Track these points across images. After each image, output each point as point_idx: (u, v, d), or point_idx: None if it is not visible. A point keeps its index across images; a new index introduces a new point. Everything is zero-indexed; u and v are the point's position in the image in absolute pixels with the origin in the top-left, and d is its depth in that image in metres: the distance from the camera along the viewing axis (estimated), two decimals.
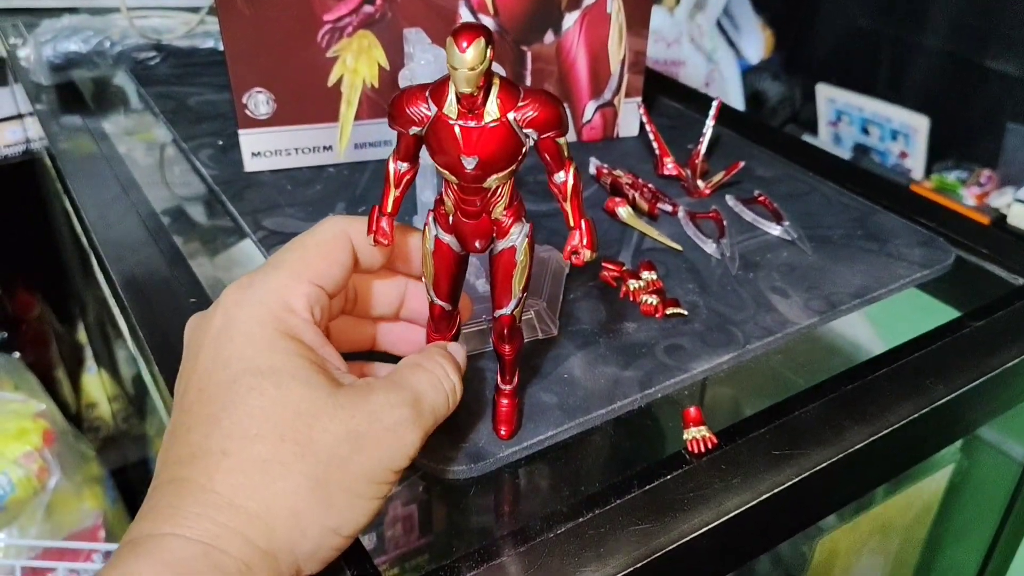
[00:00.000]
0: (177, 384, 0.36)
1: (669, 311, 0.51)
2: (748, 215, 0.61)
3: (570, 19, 0.66)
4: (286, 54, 0.62)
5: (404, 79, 0.49)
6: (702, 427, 0.44)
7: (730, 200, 0.63)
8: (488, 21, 0.64)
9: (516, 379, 0.42)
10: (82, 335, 1.50)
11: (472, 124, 0.34)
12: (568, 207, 0.37)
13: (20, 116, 1.20)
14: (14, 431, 1.15)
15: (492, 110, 0.34)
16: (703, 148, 0.65)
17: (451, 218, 0.38)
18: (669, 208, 0.62)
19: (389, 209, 0.38)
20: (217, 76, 0.82)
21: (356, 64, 0.63)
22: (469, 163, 0.35)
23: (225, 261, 0.61)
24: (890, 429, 0.45)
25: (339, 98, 0.64)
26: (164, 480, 0.33)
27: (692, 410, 0.44)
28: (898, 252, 0.58)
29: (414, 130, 0.35)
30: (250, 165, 0.66)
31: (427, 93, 0.35)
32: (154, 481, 0.34)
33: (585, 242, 0.37)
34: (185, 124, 0.75)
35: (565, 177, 0.36)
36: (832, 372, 0.49)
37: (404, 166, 0.37)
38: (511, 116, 0.34)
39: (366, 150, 0.67)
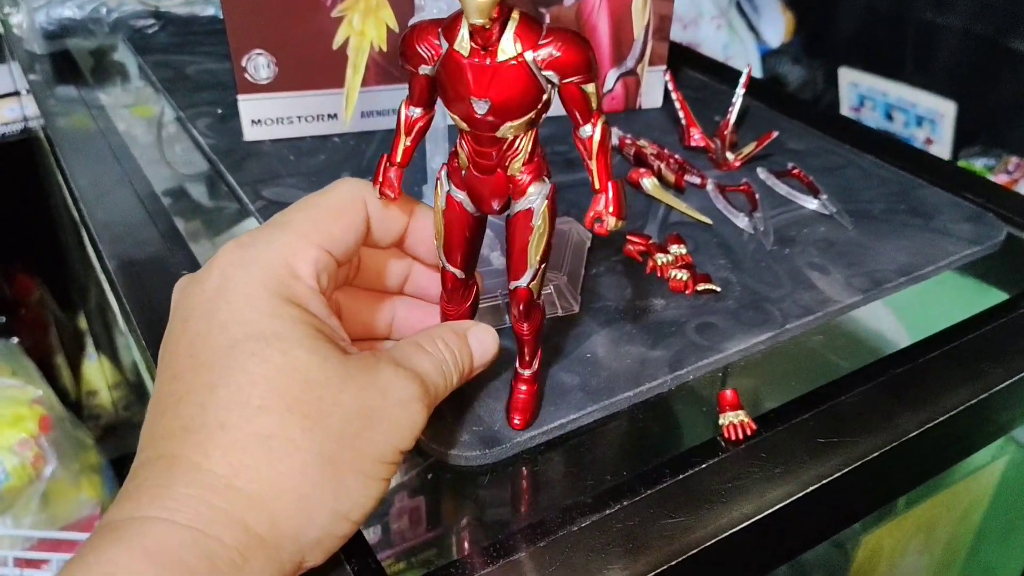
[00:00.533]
0: (163, 350, 0.32)
1: (700, 287, 0.47)
2: (781, 188, 0.57)
3: None
4: (288, 13, 0.58)
5: None
6: (739, 411, 0.40)
7: (762, 173, 0.59)
8: None
9: (537, 364, 0.38)
10: (83, 321, 1.46)
11: (485, 62, 0.30)
12: (593, 165, 0.32)
13: (17, 93, 1.16)
14: (9, 417, 1.12)
15: (508, 47, 0.30)
16: (732, 118, 0.61)
17: (464, 173, 0.34)
18: (697, 180, 0.57)
19: (399, 159, 0.34)
20: (217, 45, 0.79)
21: (363, 25, 0.59)
22: (480, 107, 0.31)
23: (225, 240, 0.57)
24: (944, 416, 0.41)
25: (344, 62, 0.60)
26: (150, 456, 0.29)
27: (728, 393, 0.40)
28: (944, 228, 0.54)
29: (424, 69, 0.31)
30: (250, 134, 0.62)
31: (440, 28, 0.31)
32: (137, 457, 0.30)
33: (611, 208, 0.33)
34: (183, 93, 0.71)
35: (591, 131, 0.32)
36: (875, 355, 0.45)
37: (417, 111, 0.34)
38: (529, 55, 0.30)
39: (373, 119, 0.63)
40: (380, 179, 0.35)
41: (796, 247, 0.52)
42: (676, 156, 0.59)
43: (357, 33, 0.59)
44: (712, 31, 1.52)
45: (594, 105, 0.31)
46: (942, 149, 1.41)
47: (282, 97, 0.61)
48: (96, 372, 1.47)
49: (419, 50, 0.31)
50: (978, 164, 1.34)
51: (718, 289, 0.47)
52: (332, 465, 0.29)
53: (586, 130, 0.32)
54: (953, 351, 0.45)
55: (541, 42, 0.30)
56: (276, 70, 0.60)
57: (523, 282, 0.35)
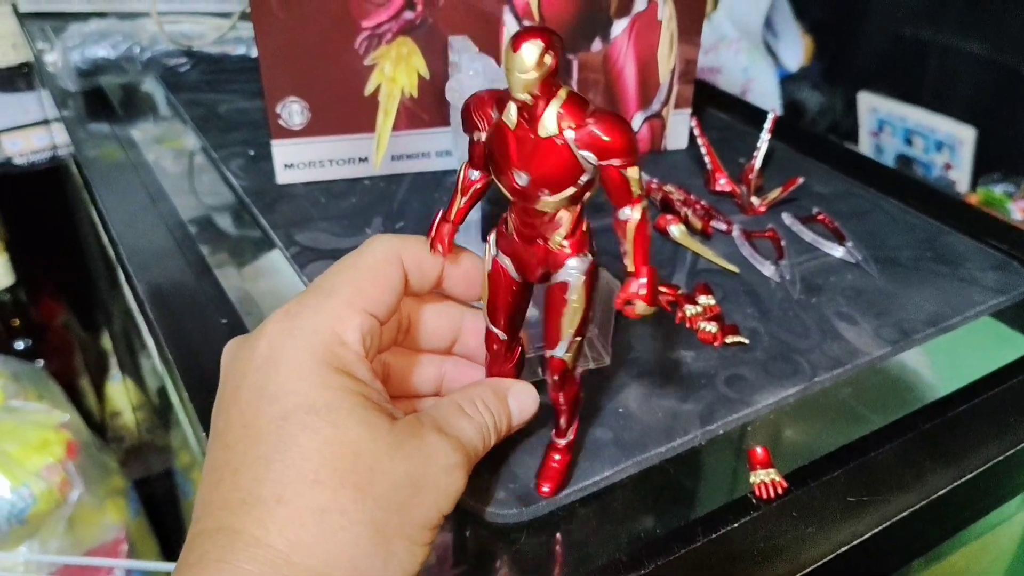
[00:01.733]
0: (214, 417, 0.33)
1: (729, 339, 0.48)
2: (807, 235, 0.58)
3: (619, 26, 0.63)
4: (322, 61, 0.59)
5: (451, 91, 0.46)
6: (770, 469, 0.40)
7: (787, 218, 0.60)
8: None
9: (572, 434, 0.39)
10: (107, 342, 1.48)
11: (528, 136, 0.31)
12: (629, 248, 0.32)
13: (47, 122, 1.18)
14: (36, 442, 1.13)
15: (549, 124, 0.30)
16: (757, 163, 0.62)
17: (510, 239, 0.34)
18: (723, 226, 0.58)
19: (452, 216, 0.36)
20: (248, 83, 0.80)
21: (394, 73, 0.60)
22: (521, 178, 0.32)
23: (253, 274, 0.58)
24: (974, 473, 0.42)
25: (376, 108, 0.62)
26: (208, 528, 0.30)
27: (759, 451, 0.41)
28: (971, 276, 0.54)
29: (480, 136, 0.33)
30: (283, 177, 0.63)
31: (495, 98, 0.32)
32: (195, 527, 0.31)
33: (644, 293, 0.32)
34: (215, 132, 0.72)
35: (630, 213, 0.32)
36: (904, 406, 0.46)
37: (475, 174, 0.35)
38: (569, 134, 0.30)
39: (403, 162, 0.64)
40: (433, 233, 0.36)
41: (823, 296, 0.52)
42: (702, 202, 0.59)
43: (389, 80, 0.60)
44: (732, 56, 1.53)
45: (635, 190, 0.31)
46: (962, 175, 1.41)
47: (315, 141, 0.62)
48: (120, 393, 1.48)
49: (475, 118, 0.32)
50: (998, 190, 1.34)
51: (746, 341, 0.48)
52: (381, 534, 0.30)
53: (624, 212, 0.32)
54: (982, 404, 0.46)
55: (584, 122, 0.30)
56: (309, 116, 0.61)
57: (558, 352, 0.36)
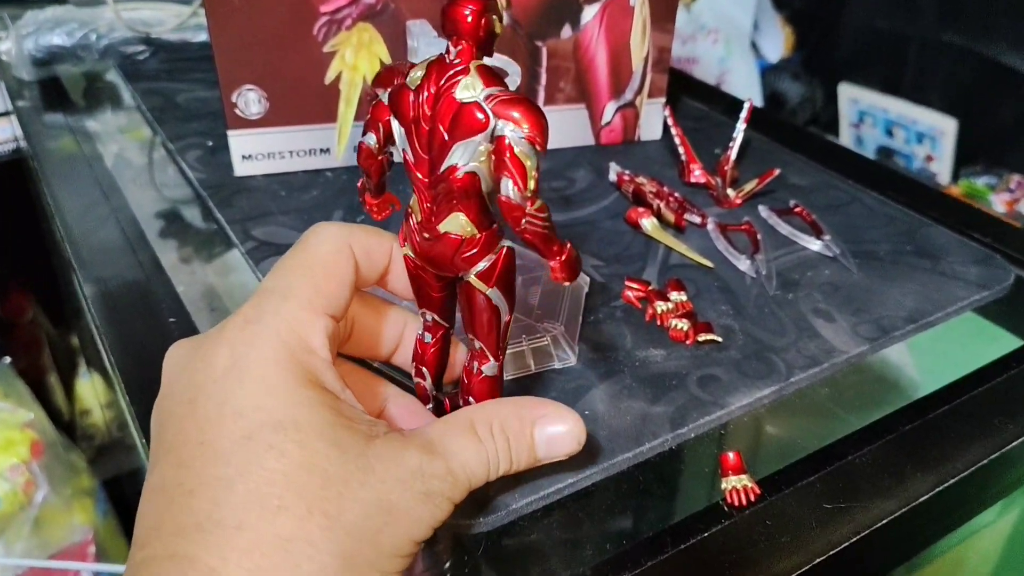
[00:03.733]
0: (160, 428, 0.30)
1: (701, 337, 0.46)
2: (784, 228, 0.56)
3: (590, 12, 0.60)
4: (279, 49, 0.57)
5: None
6: (743, 475, 0.38)
7: (763, 211, 0.58)
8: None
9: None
10: (76, 339, 1.45)
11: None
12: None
13: (8, 113, 1.15)
14: (0, 442, 1.10)
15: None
16: (733, 154, 0.60)
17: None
18: (697, 220, 0.56)
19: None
20: (209, 72, 0.76)
21: (355, 60, 0.58)
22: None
23: (208, 271, 0.55)
24: (957, 478, 0.40)
25: (337, 96, 0.59)
26: (159, 554, 0.27)
27: (731, 455, 0.39)
28: (952, 271, 0.53)
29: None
30: (240, 169, 0.61)
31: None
32: (141, 551, 0.27)
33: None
34: (173, 123, 0.70)
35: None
36: (882, 405, 0.44)
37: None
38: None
39: None
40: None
41: (800, 291, 0.50)
42: (676, 194, 0.57)
43: (350, 68, 0.58)
44: (709, 46, 1.51)
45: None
46: (943, 167, 1.40)
47: (273, 132, 0.60)
48: (89, 391, 1.45)
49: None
50: (979, 182, 1.33)
51: (720, 339, 0.46)
52: (350, 565, 0.28)
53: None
54: (964, 405, 0.44)
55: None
56: (267, 105, 0.58)
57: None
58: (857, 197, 0.61)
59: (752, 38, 1.53)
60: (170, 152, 0.66)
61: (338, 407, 0.30)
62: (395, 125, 0.31)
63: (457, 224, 0.31)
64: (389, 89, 0.31)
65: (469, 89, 0.29)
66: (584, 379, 0.44)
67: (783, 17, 1.57)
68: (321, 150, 0.61)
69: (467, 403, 0.35)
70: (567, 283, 0.31)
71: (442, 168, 0.30)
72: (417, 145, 0.30)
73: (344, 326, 0.36)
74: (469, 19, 0.29)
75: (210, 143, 0.66)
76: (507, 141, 0.28)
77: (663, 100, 0.66)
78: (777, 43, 1.56)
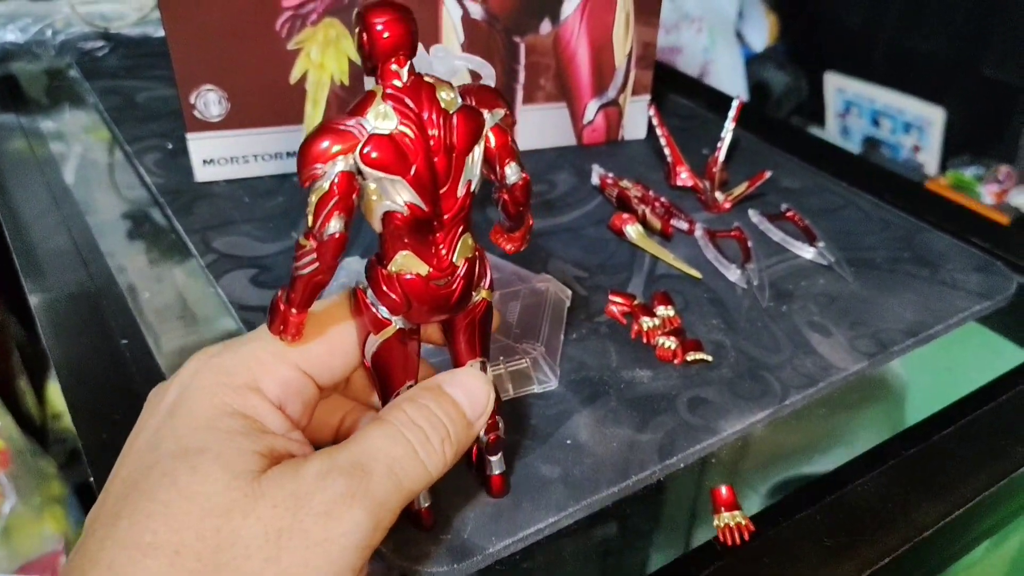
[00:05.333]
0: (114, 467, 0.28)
1: (690, 356, 0.43)
2: (776, 234, 0.53)
3: (570, 6, 0.57)
4: (240, 46, 0.53)
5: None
6: (736, 512, 0.36)
7: (754, 216, 0.55)
8: (476, 8, 0.55)
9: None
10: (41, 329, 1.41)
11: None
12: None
13: None
14: None
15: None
16: (721, 155, 0.57)
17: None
18: (685, 226, 0.53)
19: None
20: (171, 69, 0.73)
21: (322, 58, 0.54)
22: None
23: (164, 285, 0.52)
24: (964, 508, 0.37)
25: (303, 97, 0.56)
26: None
27: (723, 490, 0.36)
28: (952, 279, 0.50)
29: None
30: (201, 174, 0.57)
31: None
32: None
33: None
34: (131, 123, 0.66)
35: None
36: (881, 423, 0.41)
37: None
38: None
39: None
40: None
41: (794, 303, 0.48)
42: (662, 199, 0.54)
43: (316, 66, 0.54)
44: (693, 35, 1.48)
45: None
46: (930, 157, 1.38)
47: (235, 135, 0.56)
48: (60, 394, 1.41)
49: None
50: (967, 173, 1.31)
51: (710, 359, 0.43)
52: None
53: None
54: (969, 426, 0.41)
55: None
56: (228, 106, 0.55)
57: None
58: (851, 200, 0.58)
59: (737, 26, 1.50)
60: (128, 155, 0.63)
61: (263, 439, 0.27)
62: (374, 187, 0.27)
63: (467, 247, 0.30)
64: (355, 152, 0.26)
65: (447, 94, 0.27)
66: (566, 403, 0.41)
67: (768, 4, 1.54)
68: (288, 153, 0.58)
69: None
70: (520, 250, 0.33)
71: (460, 190, 0.28)
72: (433, 183, 0.27)
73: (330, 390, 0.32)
74: (412, 30, 0.27)
75: (170, 146, 0.63)
76: (502, 128, 0.29)
77: (648, 98, 0.63)
78: (762, 31, 1.53)
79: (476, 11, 0.55)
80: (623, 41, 0.59)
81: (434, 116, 0.27)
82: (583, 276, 0.50)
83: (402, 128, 0.26)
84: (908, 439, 0.40)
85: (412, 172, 0.27)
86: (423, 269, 0.29)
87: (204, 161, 0.57)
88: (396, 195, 0.27)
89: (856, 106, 1.46)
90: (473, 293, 0.31)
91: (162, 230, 0.55)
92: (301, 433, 0.30)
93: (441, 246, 0.29)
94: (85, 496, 1.23)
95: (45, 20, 0.73)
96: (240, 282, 0.48)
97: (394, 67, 0.27)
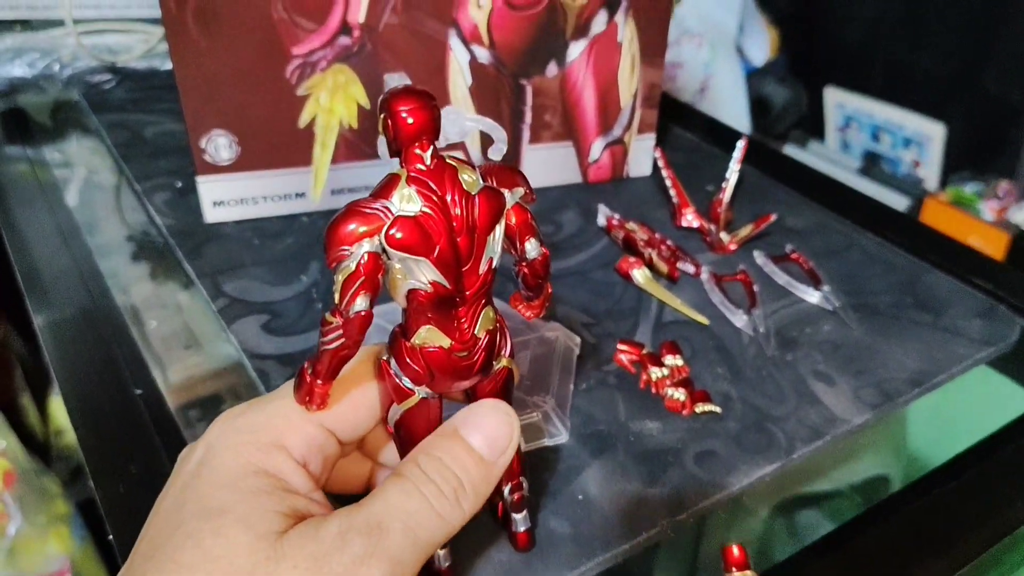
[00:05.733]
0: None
1: (699, 408, 0.44)
2: (781, 277, 0.54)
3: (576, 49, 0.58)
4: (250, 91, 0.54)
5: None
6: (748, 572, 0.36)
7: (759, 258, 0.55)
8: (483, 52, 0.56)
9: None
10: (47, 356, 1.41)
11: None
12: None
13: None
14: None
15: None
16: (726, 196, 0.57)
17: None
18: (691, 269, 0.54)
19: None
20: (177, 102, 0.74)
21: (331, 103, 0.55)
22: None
23: (177, 330, 0.53)
24: (969, 566, 0.38)
25: (312, 140, 0.56)
26: None
27: (734, 549, 0.37)
28: (954, 326, 0.51)
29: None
30: (211, 216, 0.58)
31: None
32: None
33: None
34: (140, 160, 0.67)
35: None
36: (878, 441, 0.42)
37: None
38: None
39: (344, 196, 0.59)
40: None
41: (799, 351, 0.48)
42: (668, 242, 0.55)
43: (325, 111, 0.55)
44: (694, 50, 1.48)
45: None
46: (930, 172, 1.38)
47: (245, 177, 0.57)
48: (62, 410, 1.42)
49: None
50: (968, 189, 1.31)
51: (718, 411, 0.44)
52: None
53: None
54: (973, 479, 0.42)
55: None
56: (238, 150, 0.56)
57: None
58: (855, 241, 0.59)
59: (737, 41, 1.50)
60: (137, 194, 0.63)
61: (286, 499, 0.27)
62: (399, 267, 0.28)
63: (489, 320, 0.30)
64: (380, 234, 0.27)
65: (469, 176, 0.28)
66: (577, 458, 0.41)
67: (768, 18, 1.54)
68: (297, 194, 0.58)
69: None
70: (539, 317, 0.34)
71: (482, 267, 0.29)
72: (457, 262, 0.28)
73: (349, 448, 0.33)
74: (435, 116, 0.27)
75: (179, 184, 0.63)
76: (522, 207, 0.30)
77: (652, 136, 0.63)
78: (762, 45, 1.53)
79: (483, 56, 0.56)
80: (628, 82, 0.60)
81: (457, 197, 0.28)
82: (591, 323, 0.50)
83: (426, 210, 0.27)
84: (911, 495, 0.41)
85: (436, 252, 0.27)
86: (445, 342, 0.29)
87: (214, 203, 0.57)
88: (420, 274, 0.28)
89: (856, 121, 1.46)
90: (494, 363, 0.32)
91: (171, 271, 0.56)
92: (321, 492, 0.30)
93: (463, 320, 0.30)
94: (89, 514, 1.24)
95: (52, 55, 0.74)
96: (252, 329, 0.49)
97: (418, 151, 0.27)
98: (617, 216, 0.57)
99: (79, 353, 0.48)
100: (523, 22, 0.55)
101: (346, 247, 0.27)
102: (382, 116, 0.27)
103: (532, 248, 0.31)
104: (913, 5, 1.36)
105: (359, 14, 0.53)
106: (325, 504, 0.30)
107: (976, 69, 1.30)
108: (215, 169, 0.56)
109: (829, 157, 1.50)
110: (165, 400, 0.45)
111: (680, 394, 0.44)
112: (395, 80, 0.49)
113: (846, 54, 1.48)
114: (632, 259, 0.53)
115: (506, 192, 0.30)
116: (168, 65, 0.77)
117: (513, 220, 0.30)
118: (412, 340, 0.30)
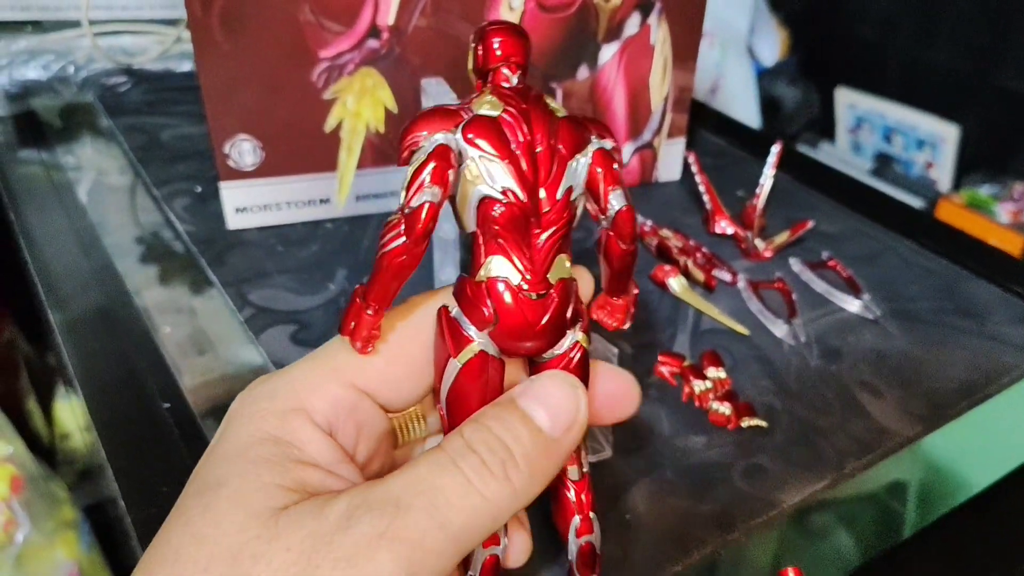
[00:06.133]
0: None
1: (744, 423, 0.42)
2: (819, 285, 0.52)
3: (608, 52, 0.56)
4: (275, 96, 0.53)
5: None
6: None
7: (795, 265, 0.54)
8: None
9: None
10: (52, 358, 1.40)
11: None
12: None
13: None
14: None
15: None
16: (761, 202, 0.56)
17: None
18: (727, 277, 0.53)
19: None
20: (195, 104, 0.72)
21: (358, 107, 0.54)
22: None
23: (201, 340, 0.51)
24: None
25: (337, 145, 0.55)
26: None
27: (791, 573, 0.36)
28: (998, 333, 0.50)
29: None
30: (234, 222, 0.56)
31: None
32: None
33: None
34: (158, 164, 0.65)
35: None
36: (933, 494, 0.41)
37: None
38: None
39: (369, 202, 0.58)
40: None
41: (843, 362, 0.47)
42: (703, 249, 0.54)
43: (352, 115, 0.54)
44: (705, 50, 1.47)
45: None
46: (944, 174, 1.38)
47: (269, 183, 0.55)
48: (68, 413, 1.40)
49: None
50: (983, 191, 1.30)
51: (765, 424, 0.43)
52: None
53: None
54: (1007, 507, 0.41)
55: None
56: (263, 155, 0.54)
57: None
58: (890, 246, 0.58)
59: (748, 41, 1.49)
60: (155, 199, 0.62)
61: (293, 470, 0.24)
62: (472, 167, 0.26)
63: (564, 268, 0.27)
64: (458, 128, 0.25)
65: (554, 104, 0.27)
66: (622, 474, 0.40)
67: (779, 19, 1.53)
68: (321, 200, 0.57)
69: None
70: (624, 327, 0.31)
71: (559, 192, 0.27)
72: (534, 174, 0.26)
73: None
74: (526, 46, 0.27)
75: (199, 189, 0.62)
76: (609, 154, 0.28)
77: (683, 140, 0.62)
78: (773, 45, 1.52)
79: None
80: (660, 86, 0.59)
81: (540, 114, 0.27)
82: (627, 332, 0.49)
83: (506, 117, 0.26)
84: (964, 514, 0.40)
85: (512, 157, 0.26)
86: (514, 276, 0.26)
87: (237, 209, 0.56)
88: (495, 178, 0.26)
89: (868, 122, 1.45)
90: (568, 332, 0.28)
91: (195, 278, 0.55)
92: (357, 469, 0.26)
93: (536, 254, 0.27)
94: (96, 518, 1.23)
95: (67, 57, 0.72)
96: (280, 340, 0.48)
97: (505, 71, 0.27)
98: (649, 222, 0.56)
99: (100, 359, 0.47)
100: (555, 24, 0.54)
101: (422, 133, 0.25)
102: (473, 46, 0.27)
103: (617, 198, 0.27)
104: (925, 5, 1.35)
105: (388, 16, 0.51)
106: (354, 483, 0.25)
107: (991, 69, 1.29)
108: (239, 175, 0.55)
109: (840, 159, 1.49)
110: (192, 410, 0.44)
111: (725, 408, 0.43)
112: (433, 86, 0.47)
113: (857, 55, 1.47)
114: (667, 267, 0.52)
115: (594, 136, 0.28)
116: (184, 67, 0.75)
117: (599, 169, 0.27)
118: (479, 274, 0.27)
